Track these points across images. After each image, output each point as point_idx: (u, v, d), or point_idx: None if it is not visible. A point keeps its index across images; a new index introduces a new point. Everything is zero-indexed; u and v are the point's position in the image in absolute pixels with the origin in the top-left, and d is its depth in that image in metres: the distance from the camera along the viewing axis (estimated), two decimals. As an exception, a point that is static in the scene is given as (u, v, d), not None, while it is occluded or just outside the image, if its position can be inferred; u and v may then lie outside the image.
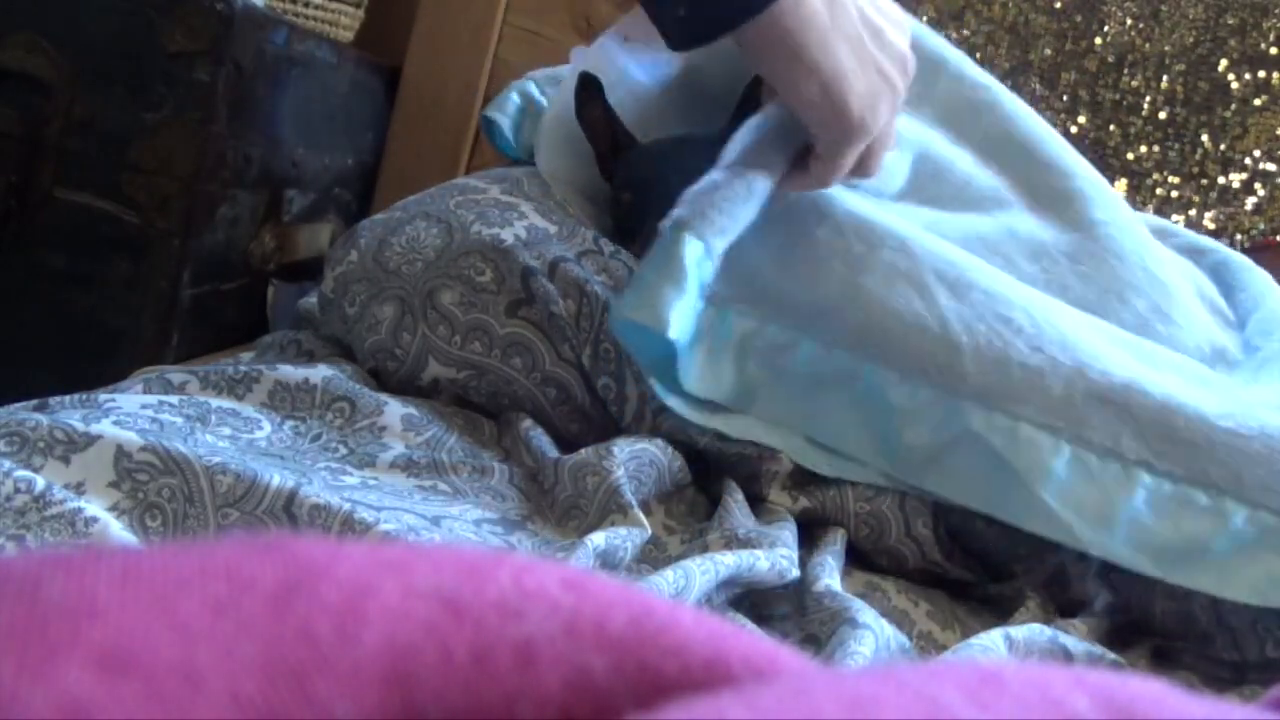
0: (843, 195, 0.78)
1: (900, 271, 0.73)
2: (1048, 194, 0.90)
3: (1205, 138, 1.23)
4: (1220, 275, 0.96)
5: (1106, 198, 0.92)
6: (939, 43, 0.98)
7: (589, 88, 0.94)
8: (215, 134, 0.94)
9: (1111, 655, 0.63)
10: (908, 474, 0.70)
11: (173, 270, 0.93)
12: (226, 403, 0.63)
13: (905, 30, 0.70)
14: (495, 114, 1.08)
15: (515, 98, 1.09)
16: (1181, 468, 0.66)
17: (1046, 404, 0.68)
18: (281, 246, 1.10)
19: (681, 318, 0.67)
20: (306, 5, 1.22)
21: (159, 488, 0.49)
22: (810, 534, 0.71)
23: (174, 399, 0.60)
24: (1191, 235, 1.02)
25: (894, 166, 0.87)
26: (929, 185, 0.90)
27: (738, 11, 0.63)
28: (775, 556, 0.61)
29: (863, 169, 0.72)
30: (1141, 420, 0.68)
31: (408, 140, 1.34)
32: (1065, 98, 1.26)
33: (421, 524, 0.55)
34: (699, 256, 0.68)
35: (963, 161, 0.92)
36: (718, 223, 0.68)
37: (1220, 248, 0.99)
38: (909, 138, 0.91)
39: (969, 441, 0.68)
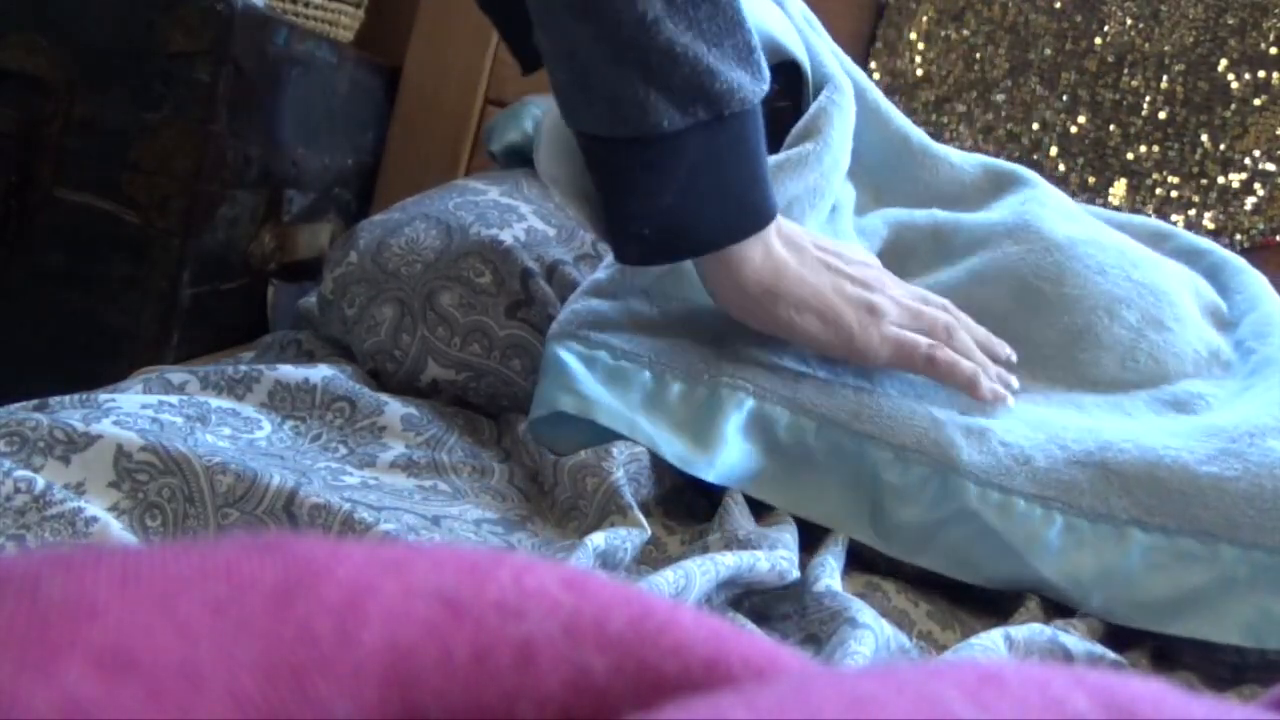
0: None
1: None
2: (1020, 228, 0.90)
3: (1205, 138, 1.23)
4: (1217, 277, 0.96)
5: (1077, 224, 0.92)
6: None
7: None
8: (215, 134, 0.94)
9: (1112, 655, 0.63)
10: (900, 551, 0.70)
11: (173, 270, 0.93)
12: (226, 403, 0.63)
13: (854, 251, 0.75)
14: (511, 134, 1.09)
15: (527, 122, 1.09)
16: (1172, 520, 0.67)
17: (1033, 476, 0.68)
18: (281, 246, 1.10)
19: (600, 396, 0.68)
20: (306, 5, 1.22)
21: (159, 488, 0.49)
22: (810, 535, 0.71)
23: (174, 399, 0.60)
24: (1189, 237, 1.02)
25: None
26: (898, 254, 0.90)
27: (701, 244, 0.65)
28: (775, 557, 0.61)
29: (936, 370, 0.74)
30: (1125, 478, 0.68)
31: (408, 140, 1.35)
32: (1065, 98, 1.26)
33: (421, 524, 0.55)
34: (580, 353, 0.69)
35: (924, 217, 0.93)
36: (594, 317, 0.70)
37: (1217, 249, 0.99)
38: (873, 221, 0.92)
39: (963, 518, 0.68)
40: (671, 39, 0.58)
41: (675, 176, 0.62)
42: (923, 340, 0.73)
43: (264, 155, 1.04)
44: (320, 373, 0.69)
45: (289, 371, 0.67)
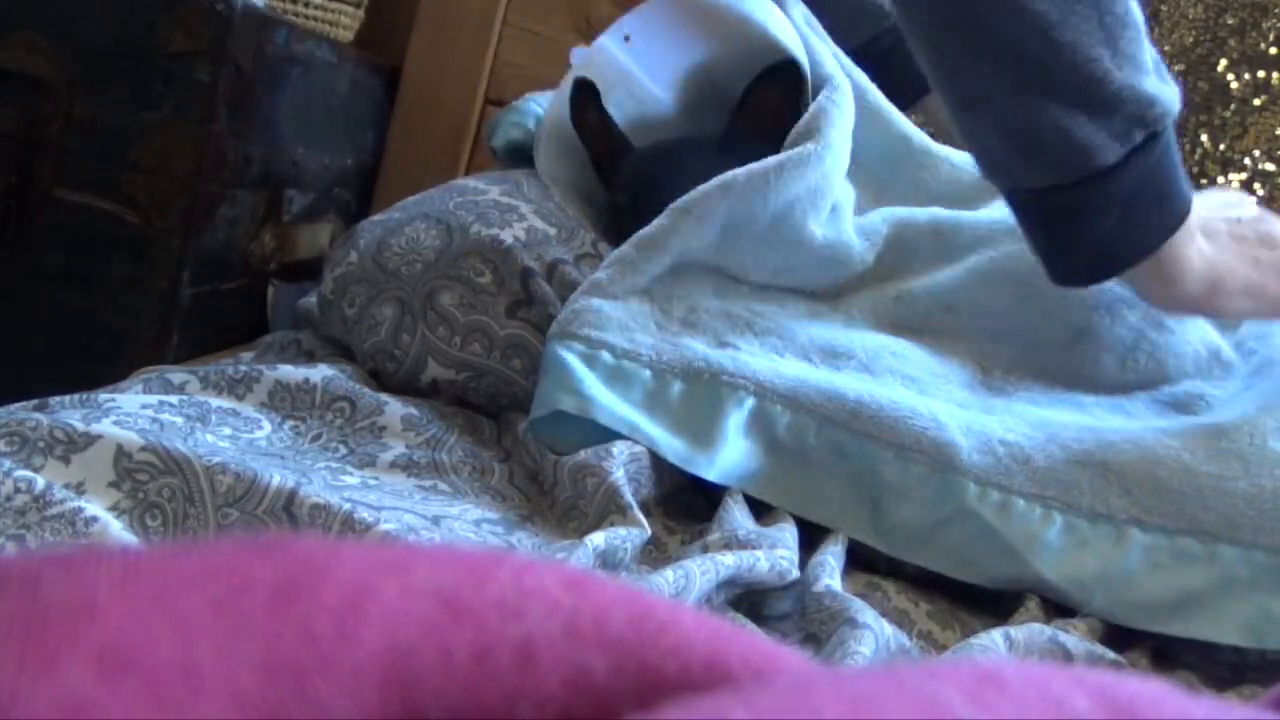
0: (805, 326, 0.80)
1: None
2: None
3: (1205, 137, 1.22)
4: None
5: None
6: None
7: (584, 93, 0.94)
8: (215, 134, 0.94)
9: (1111, 655, 0.62)
10: (900, 550, 0.70)
11: (173, 270, 0.93)
12: (226, 402, 0.63)
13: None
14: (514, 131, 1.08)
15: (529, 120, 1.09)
16: (1171, 520, 0.67)
17: (1033, 475, 0.68)
18: (281, 246, 1.10)
19: (602, 397, 0.68)
20: (306, 5, 1.22)
21: (159, 487, 0.49)
22: (810, 535, 0.71)
23: (174, 399, 0.60)
24: None
25: (853, 249, 0.86)
26: (899, 253, 0.90)
27: (1141, 252, 0.70)
28: (775, 557, 0.61)
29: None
30: (1125, 477, 0.68)
31: (408, 140, 1.35)
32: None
33: (422, 524, 0.55)
34: (581, 352, 0.70)
35: (924, 215, 0.93)
36: (594, 317, 0.71)
37: None
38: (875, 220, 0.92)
39: (962, 517, 0.68)
40: (1120, 85, 0.62)
41: (1117, 201, 0.66)
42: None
43: (264, 155, 1.04)
44: (320, 372, 0.69)
45: (289, 371, 0.67)
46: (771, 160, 0.74)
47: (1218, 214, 0.76)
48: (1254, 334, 0.87)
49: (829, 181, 0.79)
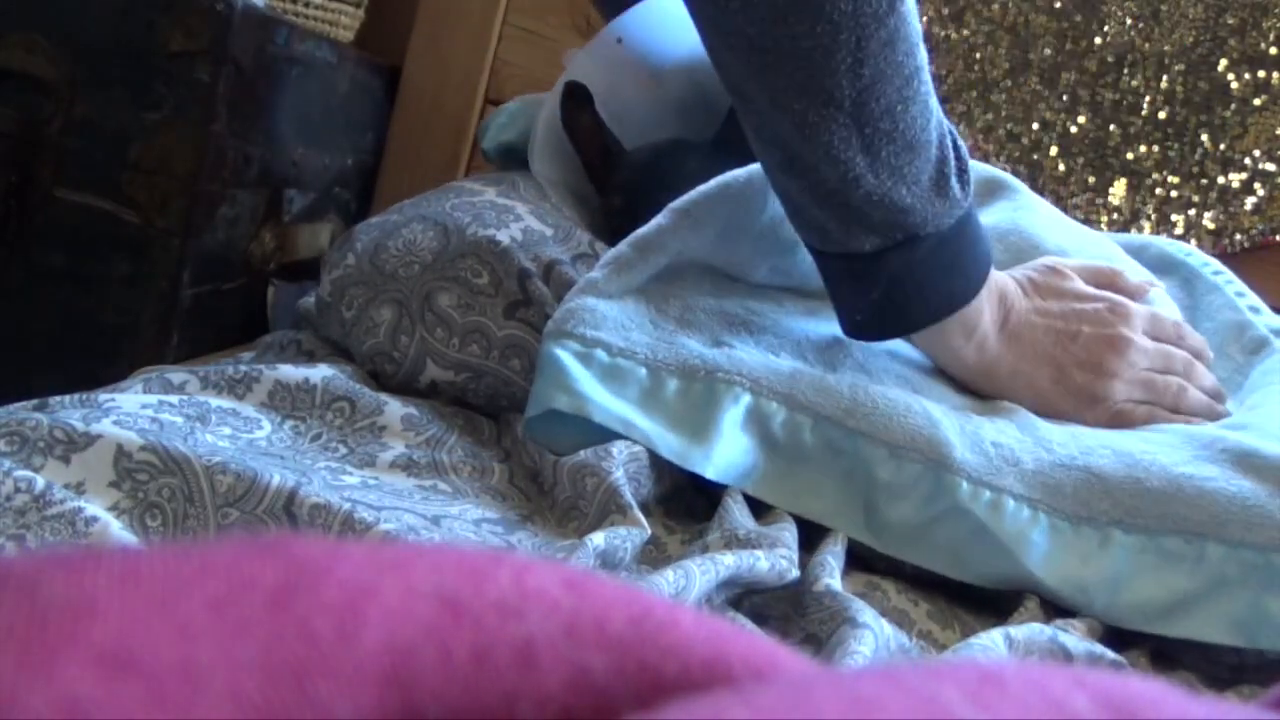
0: (802, 325, 0.81)
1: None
2: (1012, 233, 0.91)
3: (1205, 137, 1.23)
4: (1192, 292, 0.96)
5: (1066, 232, 0.93)
6: None
7: (575, 96, 0.94)
8: (215, 134, 0.94)
9: (1111, 655, 0.63)
10: (894, 548, 0.70)
11: (173, 270, 0.93)
12: (226, 402, 0.63)
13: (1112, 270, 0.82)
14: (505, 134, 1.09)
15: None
16: (1155, 520, 0.67)
17: (1021, 477, 0.69)
18: (281, 246, 1.10)
19: (597, 395, 0.68)
20: (307, 5, 1.22)
21: (159, 487, 0.49)
22: (810, 535, 0.71)
23: (174, 399, 0.60)
24: (1164, 245, 1.01)
25: None
26: None
27: (908, 326, 0.74)
28: (775, 557, 0.61)
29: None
30: (1107, 481, 0.69)
31: (408, 140, 1.35)
32: (1065, 97, 1.26)
33: (421, 524, 0.55)
34: (576, 351, 0.70)
35: None
36: (590, 315, 0.71)
37: (1190, 261, 0.98)
38: None
39: (955, 516, 0.68)
40: (870, 190, 0.66)
41: (879, 281, 0.71)
42: (1139, 417, 0.78)
43: (264, 155, 1.04)
44: (320, 372, 0.69)
45: (289, 371, 0.67)
46: None
47: (1065, 305, 0.78)
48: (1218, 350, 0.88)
49: None
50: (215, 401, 0.62)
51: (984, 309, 0.75)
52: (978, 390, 0.79)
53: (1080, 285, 0.80)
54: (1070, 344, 0.77)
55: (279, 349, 0.82)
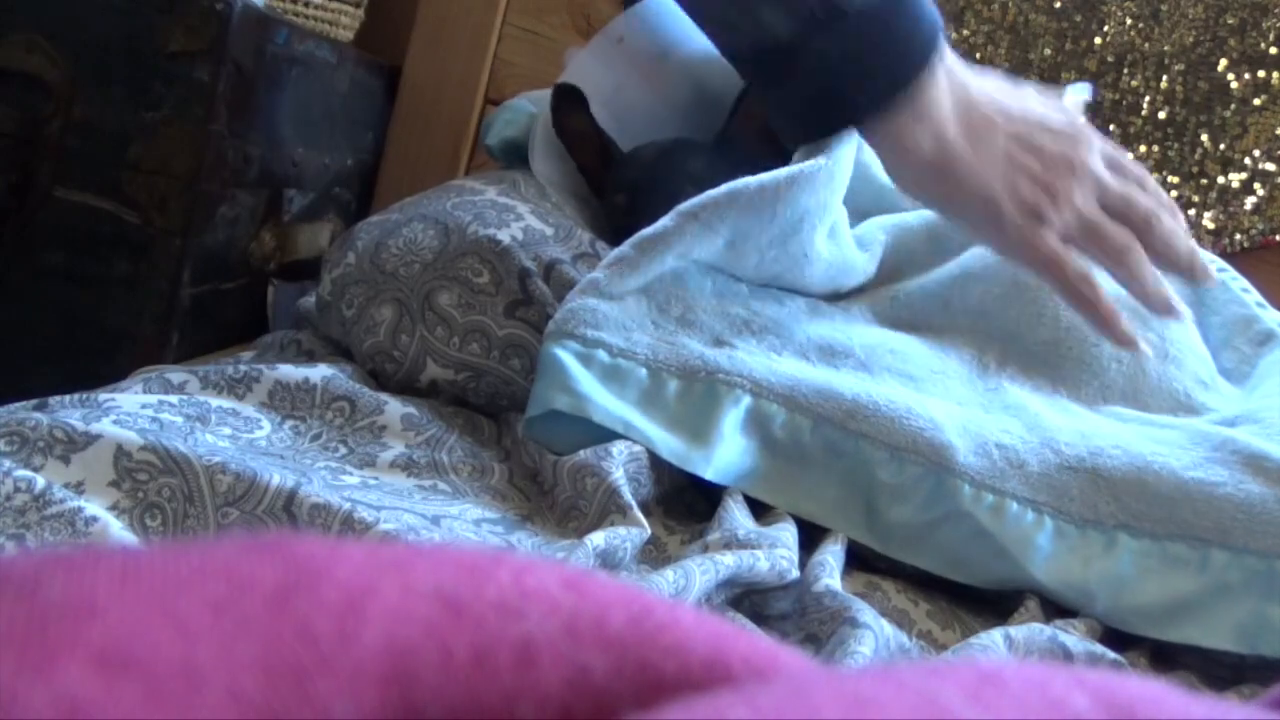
0: (803, 324, 0.79)
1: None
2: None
3: (1205, 137, 1.23)
4: (1197, 289, 0.94)
5: None
6: None
7: (567, 100, 0.94)
8: (215, 134, 0.94)
9: (1112, 655, 0.63)
10: (894, 550, 0.70)
11: (173, 270, 0.93)
12: (226, 402, 0.63)
13: (1055, 105, 0.74)
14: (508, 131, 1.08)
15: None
16: (1161, 525, 0.67)
17: (1026, 480, 0.69)
18: (281, 246, 1.10)
19: (600, 398, 0.68)
20: (307, 5, 1.22)
21: (159, 487, 0.49)
22: (810, 535, 0.71)
23: (174, 398, 0.60)
24: None
25: (856, 262, 0.86)
26: (897, 258, 0.89)
27: (851, 115, 0.68)
28: (775, 557, 0.61)
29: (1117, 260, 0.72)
30: (1114, 483, 0.69)
31: (408, 140, 1.35)
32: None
33: (421, 523, 0.55)
34: (577, 351, 0.69)
35: (917, 219, 0.92)
36: (591, 316, 0.71)
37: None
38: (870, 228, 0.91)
39: (957, 519, 0.68)
40: None
41: (809, 72, 0.66)
42: (1072, 267, 0.71)
43: (264, 155, 1.04)
44: (320, 372, 0.69)
45: (289, 371, 0.67)
46: (783, 172, 0.74)
47: (1027, 118, 0.71)
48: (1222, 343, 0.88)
49: (835, 197, 0.79)
50: (215, 401, 0.62)
51: (938, 94, 0.69)
52: (932, 200, 0.74)
53: (1047, 104, 0.74)
54: (1026, 153, 0.71)
55: (279, 349, 0.82)
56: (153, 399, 0.59)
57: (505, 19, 1.35)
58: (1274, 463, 0.69)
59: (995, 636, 0.59)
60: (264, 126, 1.03)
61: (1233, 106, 1.23)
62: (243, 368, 0.67)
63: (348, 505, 0.50)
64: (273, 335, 0.87)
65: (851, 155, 0.83)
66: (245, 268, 1.05)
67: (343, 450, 0.64)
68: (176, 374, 0.65)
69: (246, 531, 0.48)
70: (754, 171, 0.80)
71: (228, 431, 0.60)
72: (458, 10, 1.34)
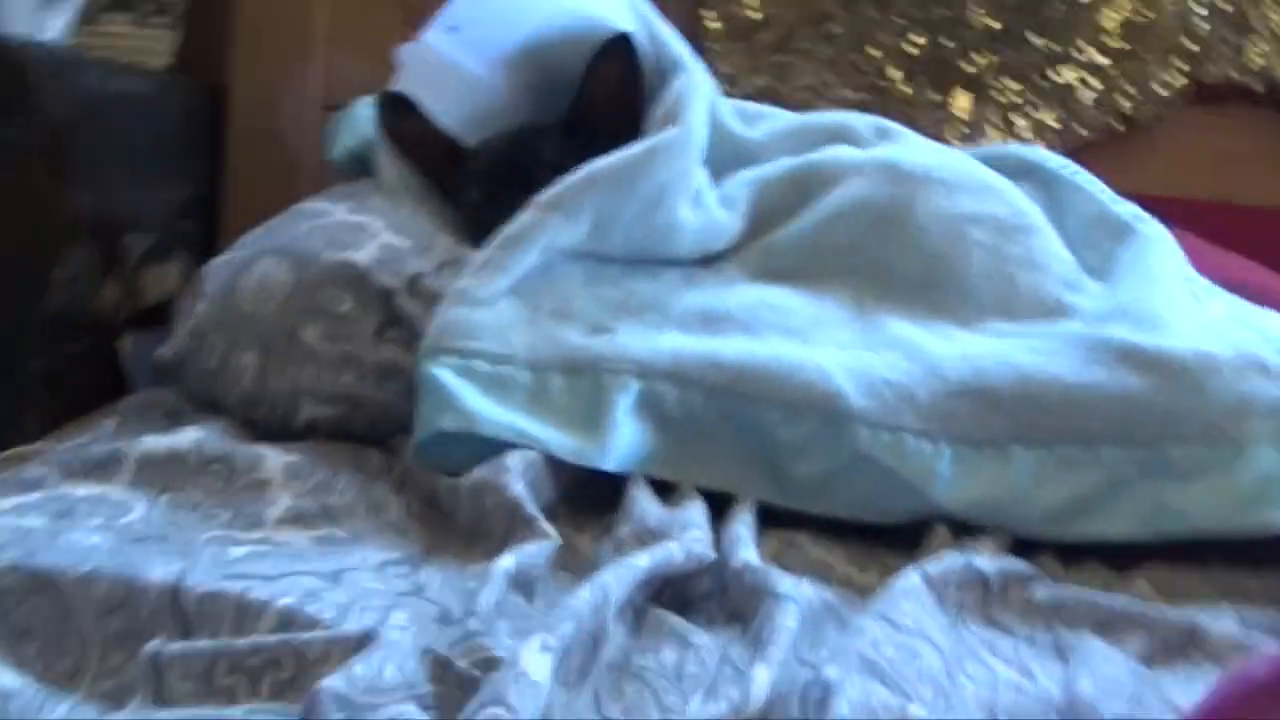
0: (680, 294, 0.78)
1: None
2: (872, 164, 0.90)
3: (1038, 40, 1.25)
4: (1051, 193, 0.96)
5: (935, 154, 0.93)
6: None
7: (394, 108, 0.91)
8: (35, 192, 0.89)
9: (1023, 566, 0.64)
10: (803, 504, 0.70)
11: (12, 344, 0.88)
12: (93, 489, 0.60)
13: None
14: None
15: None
16: (1051, 432, 0.69)
17: (918, 412, 0.70)
18: (129, 295, 1.05)
19: (486, 409, 0.67)
20: (115, 37, 1.16)
21: (27, 611, 0.46)
22: (719, 504, 0.71)
23: (33, 497, 0.57)
24: (1022, 151, 1.01)
25: (723, 223, 0.85)
26: (761, 211, 0.89)
27: None
28: (689, 542, 0.60)
29: None
30: (1002, 399, 0.70)
31: (246, 160, 1.28)
32: (899, 19, 1.27)
33: (321, 585, 0.52)
34: (455, 365, 0.68)
35: (775, 169, 0.92)
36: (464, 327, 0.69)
37: (1048, 165, 0.99)
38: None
39: (859, 463, 0.69)
40: None
41: None
42: None
43: (94, 203, 0.98)
44: (189, 436, 0.66)
45: (154, 442, 0.64)
46: (637, 147, 0.73)
47: None
48: (1085, 242, 0.90)
49: (694, 164, 0.78)
50: (80, 490, 0.59)
51: None
52: None
53: None
54: None
55: (141, 414, 0.78)
56: (9, 503, 0.56)
57: (331, 19, 1.30)
58: (1147, 354, 0.71)
59: (914, 579, 0.60)
60: (88, 174, 0.97)
61: (1062, 8, 1.26)
62: (105, 447, 0.63)
63: (239, 587, 0.48)
64: (134, 397, 0.83)
65: (704, 119, 0.82)
66: (93, 326, 0.99)
67: (226, 515, 0.61)
68: (32, 469, 0.61)
69: (132, 639, 0.45)
70: (609, 147, 0.78)
71: (98, 522, 0.57)
72: (276, 16, 1.28)
